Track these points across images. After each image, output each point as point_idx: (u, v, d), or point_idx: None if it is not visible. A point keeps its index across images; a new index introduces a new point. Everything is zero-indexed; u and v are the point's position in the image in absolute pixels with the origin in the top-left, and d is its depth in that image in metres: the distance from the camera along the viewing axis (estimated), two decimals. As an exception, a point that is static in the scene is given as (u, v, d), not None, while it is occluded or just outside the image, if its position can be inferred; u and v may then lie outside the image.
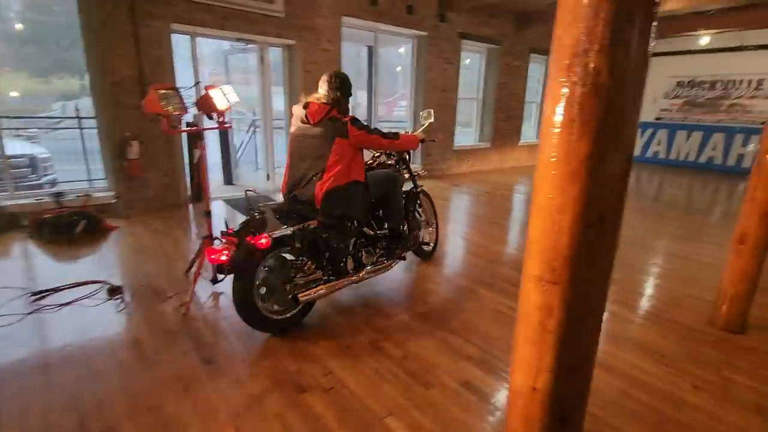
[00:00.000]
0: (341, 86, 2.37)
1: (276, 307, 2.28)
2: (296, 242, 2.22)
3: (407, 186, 3.12)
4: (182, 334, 2.31)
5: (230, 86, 2.73)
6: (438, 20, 6.92)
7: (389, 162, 3.05)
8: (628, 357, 2.23)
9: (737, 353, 2.29)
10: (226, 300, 2.71)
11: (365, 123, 2.38)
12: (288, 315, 2.31)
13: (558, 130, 0.73)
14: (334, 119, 2.31)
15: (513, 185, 7.23)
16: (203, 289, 2.82)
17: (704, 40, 8.56)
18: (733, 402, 1.91)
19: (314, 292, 2.31)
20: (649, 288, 3.14)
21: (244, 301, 2.14)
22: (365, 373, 2.04)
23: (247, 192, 2.31)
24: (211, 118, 2.66)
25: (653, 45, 0.75)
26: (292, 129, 2.44)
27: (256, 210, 2.14)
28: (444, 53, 7.21)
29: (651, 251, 3.96)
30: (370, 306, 2.69)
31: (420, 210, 3.31)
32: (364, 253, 2.70)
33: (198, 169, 2.45)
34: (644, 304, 2.87)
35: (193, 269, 2.79)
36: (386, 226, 2.83)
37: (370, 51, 6.70)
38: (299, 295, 2.24)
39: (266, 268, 2.23)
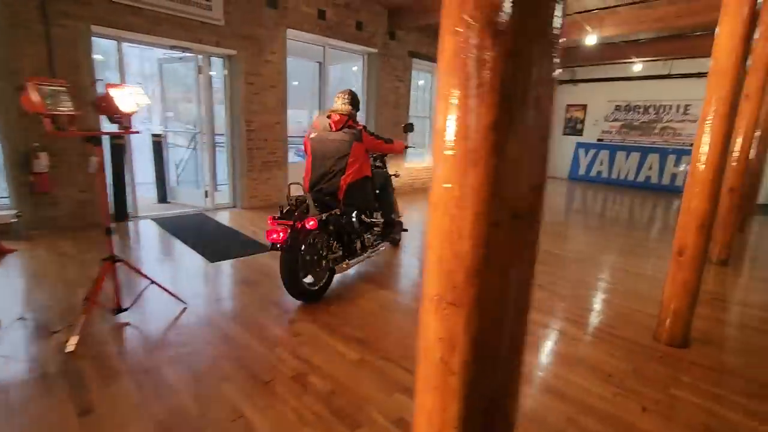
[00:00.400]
0: (353, 101, 2.97)
1: (310, 279, 2.75)
2: (330, 225, 2.79)
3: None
4: (60, 377, 1.90)
5: (140, 87, 2.41)
6: (388, 38, 6.92)
7: (377, 164, 3.72)
8: (576, 379, 2.07)
9: (682, 369, 2.20)
10: (133, 332, 2.32)
11: (372, 132, 3.02)
12: (319, 285, 2.78)
13: (457, 92, 0.53)
14: (351, 127, 2.90)
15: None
16: (101, 322, 2.40)
17: (637, 67, 9.15)
18: (681, 423, 1.79)
19: (346, 265, 2.92)
20: (597, 304, 3.07)
21: (291, 272, 2.57)
22: (283, 415, 1.73)
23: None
24: (114, 121, 2.32)
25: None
26: (314, 135, 2.95)
27: (297, 201, 2.65)
28: (395, 71, 7.21)
29: (598, 266, 3.95)
30: (299, 333, 2.39)
31: None
32: (365, 237, 3.20)
33: (98, 179, 2.11)
34: (593, 320, 2.77)
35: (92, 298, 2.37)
36: (381, 215, 3.43)
37: (321, 67, 6.54)
38: (336, 267, 2.84)
39: (307, 247, 2.65)
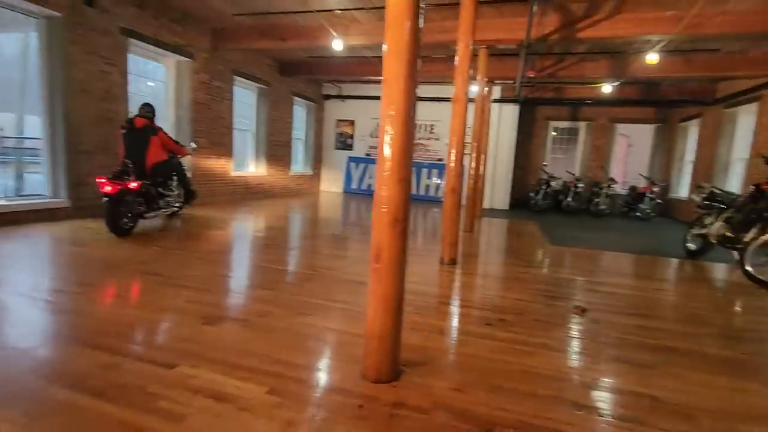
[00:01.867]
0: (152, 110, 4.93)
1: (126, 221, 4.37)
2: (141, 189, 4.47)
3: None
4: None
5: None
6: (83, 2, 5.08)
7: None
8: None
9: (392, 423, 1.55)
10: None
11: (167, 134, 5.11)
12: (129, 226, 4.43)
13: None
14: (151, 127, 4.81)
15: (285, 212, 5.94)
16: None
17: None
18: None
19: (146, 216, 4.77)
20: (309, 341, 2.31)
21: (115, 214, 4.20)
22: None
23: None
24: None
25: None
26: (124, 131, 4.73)
27: (128, 169, 4.40)
28: (99, 50, 5.37)
29: (340, 283, 3.34)
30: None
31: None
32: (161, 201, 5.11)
33: None
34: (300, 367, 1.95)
35: None
36: (182, 186, 5.62)
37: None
38: (145, 215, 4.72)
39: (128, 199, 4.37)
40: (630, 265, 4.73)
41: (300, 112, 11.30)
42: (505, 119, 10.65)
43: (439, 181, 11.28)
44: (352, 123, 11.88)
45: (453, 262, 4.12)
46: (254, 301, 2.80)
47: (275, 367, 1.87)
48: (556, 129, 12.14)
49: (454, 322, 2.68)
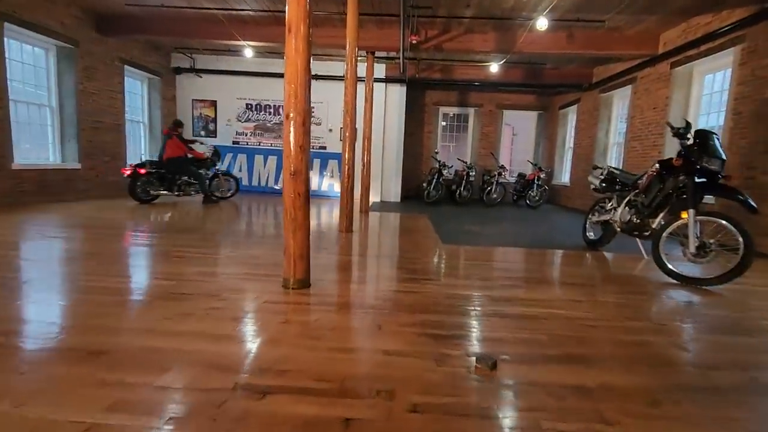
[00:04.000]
0: (175, 123, 7.28)
1: (152, 190, 6.82)
2: (156, 175, 6.84)
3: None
4: None
5: None
6: None
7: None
8: None
9: None
10: None
11: (183, 138, 7.15)
12: (151, 196, 6.85)
13: None
14: (172, 133, 7.02)
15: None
16: None
17: (248, 53, 8.02)
18: None
19: (158, 194, 6.88)
20: None
21: (134, 188, 6.58)
22: None
23: None
24: None
25: None
26: (162, 136, 7.38)
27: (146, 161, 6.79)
28: None
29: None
30: None
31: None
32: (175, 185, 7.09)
33: None
34: None
35: None
36: (194, 179, 7.26)
37: None
38: (158, 193, 6.91)
39: (143, 181, 6.69)
40: (534, 266, 3.81)
41: (136, 87, 8.79)
42: (391, 102, 9.57)
43: (330, 176, 9.80)
44: (213, 104, 9.71)
45: (303, 284, 2.67)
46: None
47: None
48: (446, 116, 11.53)
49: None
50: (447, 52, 7.25)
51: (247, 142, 9.76)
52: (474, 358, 1.76)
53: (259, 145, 9.74)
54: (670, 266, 3.34)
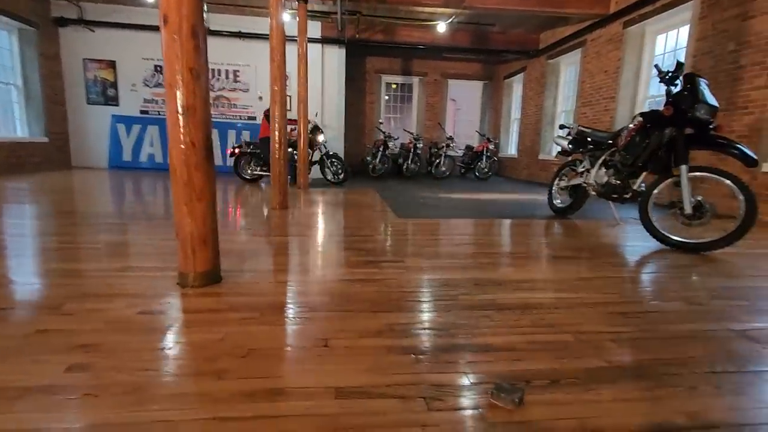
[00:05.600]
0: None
1: (249, 170, 6.82)
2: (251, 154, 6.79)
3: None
4: None
5: None
6: None
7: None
8: None
9: None
10: None
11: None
12: (251, 176, 6.85)
13: None
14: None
15: None
16: None
17: None
18: None
19: (255, 173, 6.84)
20: None
21: (236, 164, 6.81)
22: None
23: None
24: None
25: None
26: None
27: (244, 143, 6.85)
28: None
29: None
30: None
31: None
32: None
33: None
34: None
35: None
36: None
37: None
38: (255, 173, 6.83)
39: (244, 159, 6.80)
40: (509, 238, 3.22)
41: (2, 40, 6.94)
42: (330, 66, 8.56)
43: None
44: (111, 65, 8.03)
45: (208, 279, 1.79)
46: None
47: None
48: (389, 85, 10.73)
49: None
50: (390, 5, 6.40)
51: (158, 112, 8.25)
52: (490, 390, 1.04)
53: (175, 115, 8.29)
54: (664, 232, 2.90)
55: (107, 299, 1.63)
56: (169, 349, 1.26)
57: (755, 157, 2.69)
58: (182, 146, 1.66)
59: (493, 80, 10.90)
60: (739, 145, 2.72)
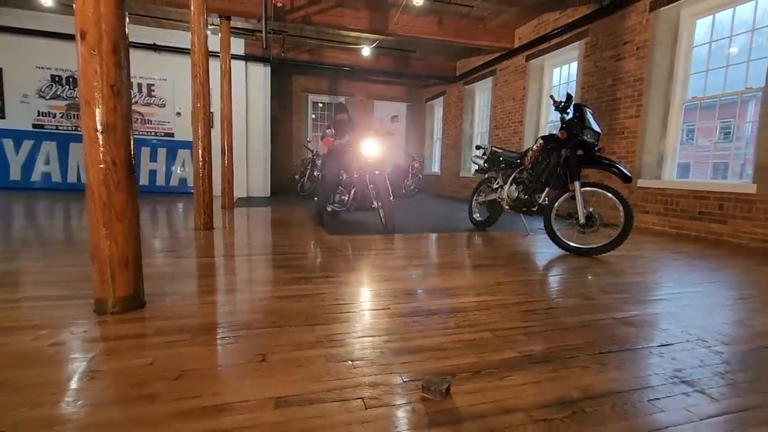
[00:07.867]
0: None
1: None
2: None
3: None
4: None
5: None
6: None
7: None
8: None
9: None
10: None
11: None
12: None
13: None
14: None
15: None
16: None
17: (47, 1, 6.03)
18: None
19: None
20: None
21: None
22: None
23: None
24: None
25: None
26: None
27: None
28: None
29: None
30: None
31: None
32: None
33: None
34: None
35: None
36: None
37: None
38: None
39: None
40: (434, 250, 3.43)
41: None
42: (255, 84, 8.43)
43: (181, 168, 8.12)
44: (-3, 72, 7.10)
45: (130, 304, 1.69)
46: None
47: None
48: (316, 104, 10.81)
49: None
50: (317, 27, 6.55)
51: (56, 126, 7.42)
52: (420, 385, 1.15)
53: (77, 130, 7.50)
54: (564, 240, 3.31)
55: (7, 332, 1.47)
56: (90, 379, 1.19)
57: (630, 174, 3.22)
58: (101, 165, 1.58)
59: (415, 102, 11.52)
60: (618, 165, 3.24)
